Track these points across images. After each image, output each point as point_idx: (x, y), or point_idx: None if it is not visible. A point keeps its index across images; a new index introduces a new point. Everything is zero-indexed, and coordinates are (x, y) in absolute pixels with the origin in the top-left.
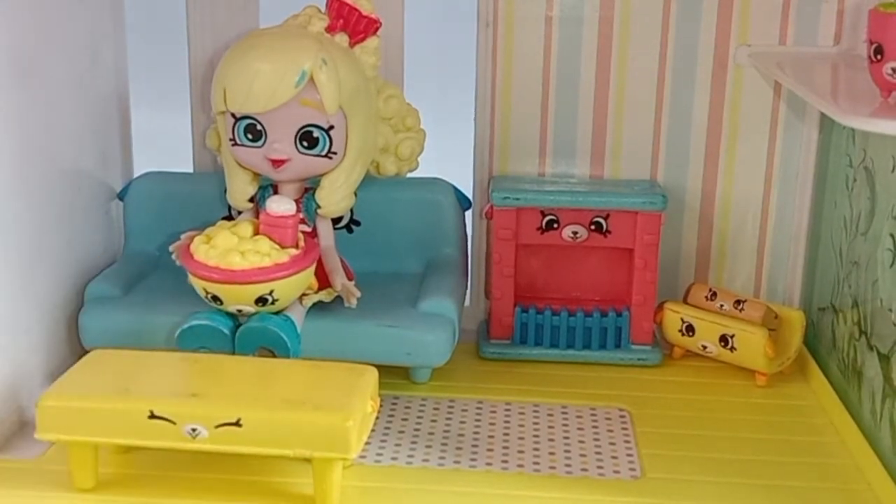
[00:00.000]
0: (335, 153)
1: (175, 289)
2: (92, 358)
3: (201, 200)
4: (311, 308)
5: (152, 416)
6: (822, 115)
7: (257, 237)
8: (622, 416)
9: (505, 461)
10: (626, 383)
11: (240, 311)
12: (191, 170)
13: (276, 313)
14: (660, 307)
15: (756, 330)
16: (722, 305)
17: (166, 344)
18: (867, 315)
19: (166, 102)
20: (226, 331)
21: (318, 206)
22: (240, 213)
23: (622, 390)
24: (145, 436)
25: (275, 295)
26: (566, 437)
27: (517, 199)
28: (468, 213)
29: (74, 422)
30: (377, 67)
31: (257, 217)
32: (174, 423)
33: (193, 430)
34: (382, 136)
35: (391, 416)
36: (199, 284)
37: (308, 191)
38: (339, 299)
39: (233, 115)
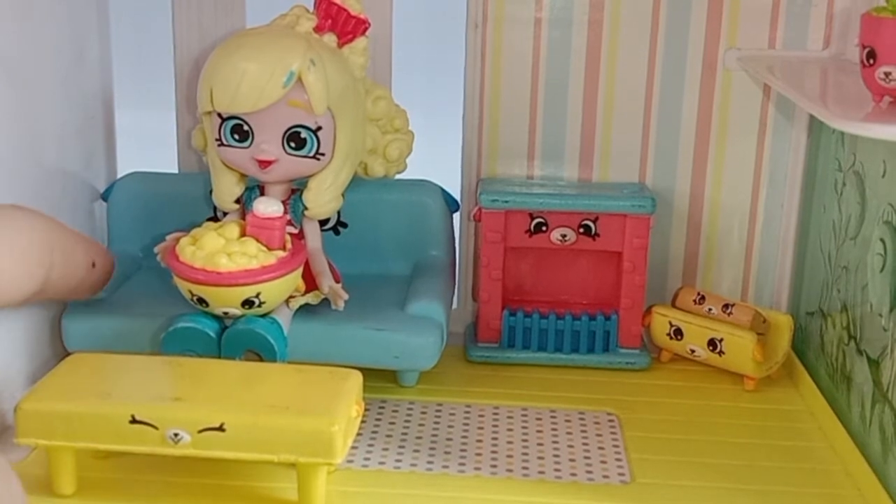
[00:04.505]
0: (323, 154)
1: (160, 291)
2: (71, 361)
3: (186, 201)
4: (298, 310)
5: (134, 421)
6: (811, 119)
7: (244, 239)
8: (611, 420)
9: (493, 466)
10: (615, 387)
11: (226, 313)
12: (176, 170)
13: (263, 316)
14: (648, 311)
15: (744, 334)
16: (710, 309)
17: (151, 347)
18: (857, 319)
19: (151, 102)
20: (212, 334)
21: (306, 208)
22: (226, 214)
23: (610, 394)
24: (126, 441)
25: (262, 297)
26: (555, 442)
27: (505, 201)
28: (456, 216)
29: (54, 426)
30: (365, 68)
31: (244, 218)
32: (156, 427)
33: (176, 435)
34: (370, 137)
35: (378, 420)
36: (184, 286)
37: (295, 192)
38: (326, 302)
39: (219, 115)
